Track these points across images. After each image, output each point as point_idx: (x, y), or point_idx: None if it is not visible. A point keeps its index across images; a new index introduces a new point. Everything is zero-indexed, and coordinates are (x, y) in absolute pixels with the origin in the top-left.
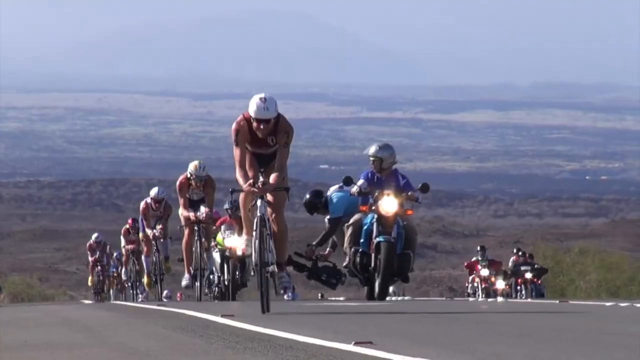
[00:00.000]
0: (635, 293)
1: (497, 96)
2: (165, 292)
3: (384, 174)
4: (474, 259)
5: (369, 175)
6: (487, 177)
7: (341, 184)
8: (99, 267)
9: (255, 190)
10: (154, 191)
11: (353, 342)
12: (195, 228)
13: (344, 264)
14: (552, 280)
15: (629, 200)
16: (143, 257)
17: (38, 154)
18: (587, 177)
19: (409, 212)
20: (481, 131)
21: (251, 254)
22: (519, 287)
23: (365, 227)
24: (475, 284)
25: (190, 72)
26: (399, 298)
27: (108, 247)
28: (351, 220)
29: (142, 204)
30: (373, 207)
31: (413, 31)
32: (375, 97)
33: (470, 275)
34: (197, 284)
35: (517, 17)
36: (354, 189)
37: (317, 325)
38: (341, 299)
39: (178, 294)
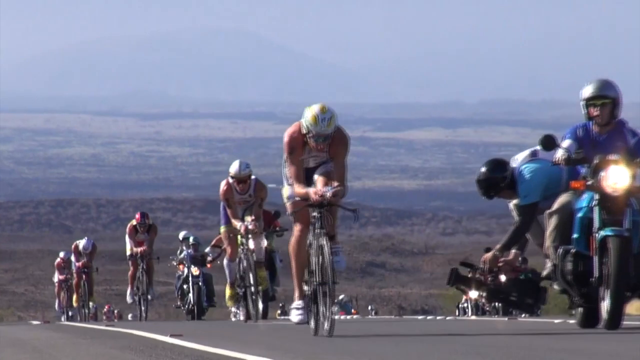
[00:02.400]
0: None
1: (445, 114)
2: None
3: (604, 130)
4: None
5: (580, 131)
6: (435, 195)
7: (535, 148)
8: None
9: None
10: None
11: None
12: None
13: (544, 273)
14: None
15: None
16: (225, 262)
17: None
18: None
19: None
20: (429, 149)
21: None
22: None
23: (579, 215)
24: (466, 304)
25: (137, 91)
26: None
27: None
28: (555, 206)
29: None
30: (591, 183)
31: (360, 49)
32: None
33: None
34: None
35: (464, 35)
36: (559, 154)
37: (267, 345)
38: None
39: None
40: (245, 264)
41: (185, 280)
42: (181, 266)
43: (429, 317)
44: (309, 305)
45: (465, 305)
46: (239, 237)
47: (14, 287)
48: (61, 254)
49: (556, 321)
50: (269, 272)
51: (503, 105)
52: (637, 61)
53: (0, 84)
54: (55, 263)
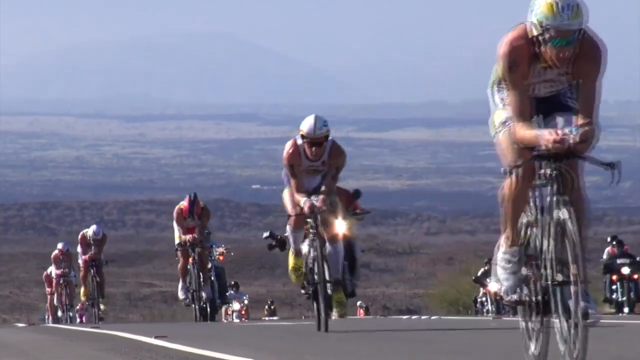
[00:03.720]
0: None
1: (429, 114)
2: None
3: None
4: (480, 271)
5: None
6: (420, 195)
7: None
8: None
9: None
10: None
11: None
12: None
13: None
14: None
15: None
16: (289, 230)
17: None
18: None
19: None
20: (413, 149)
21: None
22: (614, 286)
23: None
24: (484, 299)
25: (120, 94)
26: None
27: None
28: None
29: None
30: None
31: (343, 51)
32: (307, 116)
33: (481, 289)
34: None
35: (447, 35)
36: None
37: (253, 345)
38: (275, 318)
39: None
40: (313, 254)
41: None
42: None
43: (413, 317)
44: None
45: (484, 299)
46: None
47: None
48: (59, 245)
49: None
50: (348, 264)
51: (486, 104)
52: (635, 59)
53: None
54: (53, 255)
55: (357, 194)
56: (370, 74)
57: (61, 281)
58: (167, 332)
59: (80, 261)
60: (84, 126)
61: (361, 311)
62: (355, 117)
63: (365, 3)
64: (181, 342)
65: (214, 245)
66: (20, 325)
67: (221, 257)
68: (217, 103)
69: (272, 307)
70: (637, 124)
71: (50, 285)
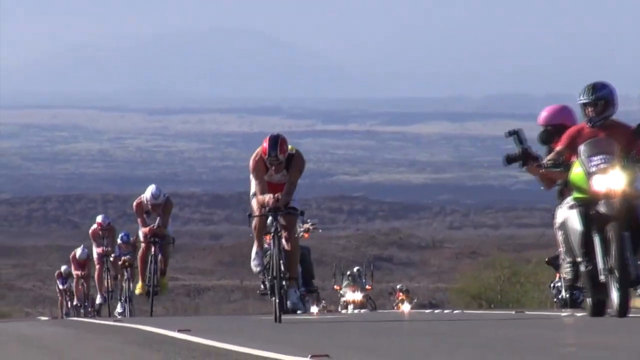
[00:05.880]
0: None
1: (451, 108)
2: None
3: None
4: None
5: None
6: (443, 189)
7: None
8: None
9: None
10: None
11: (309, 355)
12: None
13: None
14: (508, 290)
15: None
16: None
17: None
18: (542, 188)
19: None
20: (436, 143)
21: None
22: None
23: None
24: (560, 284)
25: (143, 88)
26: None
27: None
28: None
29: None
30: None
31: (365, 44)
32: (330, 110)
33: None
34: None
35: (467, 31)
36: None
37: (273, 339)
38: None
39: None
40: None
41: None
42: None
43: (436, 311)
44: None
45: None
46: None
47: (22, 283)
48: (99, 218)
49: (563, 314)
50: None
51: (507, 99)
52: None
53: (7, 81)
54: (91, 231)
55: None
56: (392, 68)
57: (104, 261)
58: (191, 326)
59: (140, 234)
60: (107, 119)
61: (400, 294)
62: (377, 111)
63: None
64: (204, 335)
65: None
66: (43, 318)
67: (306, 235)
68: (239, 97)
69: None
70: None
71: (80, 267)
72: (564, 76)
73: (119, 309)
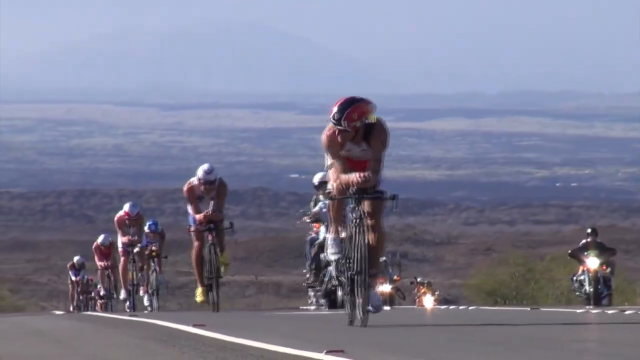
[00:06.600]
0: None
1: (466, 104)
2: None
3: None
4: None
5: None
6: (458, 185)
7: None
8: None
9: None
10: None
11: (324, 351)
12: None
13: None
14: (523, 286)
15: (599, 207)
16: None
17: (7, 166)
18: (557, 184)
19: None
20: (451, 139)
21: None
22: None
23: None
24: (583, 277)
25: (158, 82)
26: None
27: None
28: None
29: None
30: None
31: (380, 40)
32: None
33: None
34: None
35: (482, 27)
36: None
37: (288, 334)
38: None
39: None
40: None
41: (323, 247)
42: (317, 225)
43: (451, 307)
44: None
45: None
46: None
47: (37, 277)
48: (126, 207)
49: (578, 311)
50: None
51: (523, 95)
52: None
53: (21, 75)
54: (116, 219)
55: None
56: (407, 64)
57: (129, 251)
58: (205, 321)
59: (190, 221)
60: (122, 114)
61: (421, 287)
62: (392, 107)
63: None
64: (219, 330)
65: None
66: (57, 312)
67: None
68: (254, 92)
69: None
70: None
71: (103, 257)
72: (579, 73)
73: (145, 302)
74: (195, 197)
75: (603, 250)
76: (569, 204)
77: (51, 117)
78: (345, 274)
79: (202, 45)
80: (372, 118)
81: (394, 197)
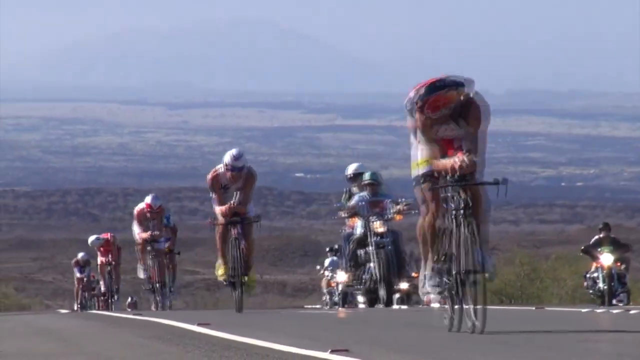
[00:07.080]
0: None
1: None
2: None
3: None
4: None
5: None
6: None
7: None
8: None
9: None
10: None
11: (329, 350)
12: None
13: None
14: (528, 286)
15: (605, 206)
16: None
17: (12, 164)
18: (563, 184)
19: None
20: None
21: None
22: None
23: None
24: (596, 275)
25: (163, 81)
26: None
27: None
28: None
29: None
30: None
31: (386, 40)
32: (350, 105)
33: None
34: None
35: (488, 26)
36: None
37: (293, 333)
38: (317, 306)
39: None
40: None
41: (361, 243)
42: (353, 219)
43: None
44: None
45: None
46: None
47: (42, 276)
48: (148, 199)
49: (583, 310)
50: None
51: (529, 95)
52: None
53: (27, 74)
54: (136, 211)
55: None
56: (412, 64)
57: (148, 248)
58: (210, 320)
59: (216, 210)
60: (127, 113)
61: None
62: (398, 106)
63: None
64: (224, 329)
65: (386, 201)
66: (62, 311)
67: (398, 217)
68: (259, 91)
69: None
70: None
71: (102, 253)
72: (585, 73)
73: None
74: (220, 186)
75: (617, 246)
76: (574, 204)
77: (56, 115)
78: (446, 276)
79: (208, 44)
80: (464, 95)
81: (502, 182)
